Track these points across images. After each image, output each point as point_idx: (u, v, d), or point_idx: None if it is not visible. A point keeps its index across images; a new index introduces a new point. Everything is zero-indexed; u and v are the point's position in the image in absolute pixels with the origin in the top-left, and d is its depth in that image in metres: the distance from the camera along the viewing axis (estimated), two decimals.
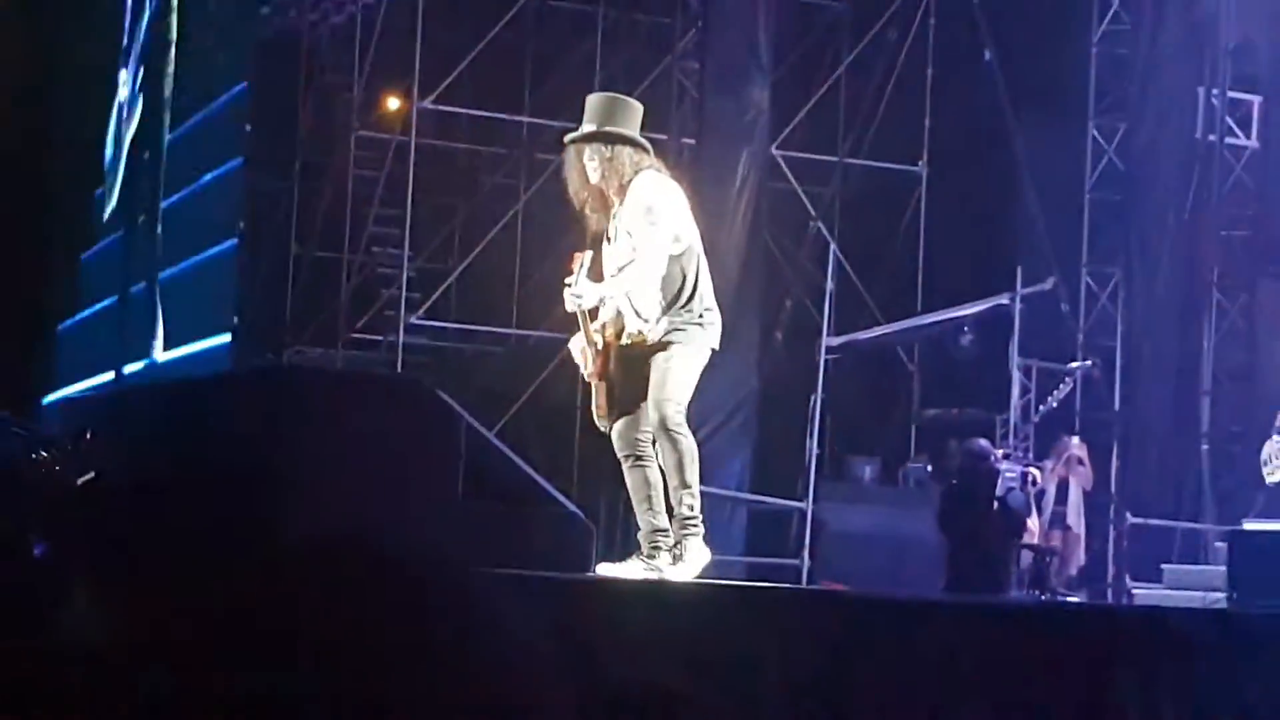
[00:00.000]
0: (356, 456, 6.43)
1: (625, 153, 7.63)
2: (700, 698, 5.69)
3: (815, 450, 15.10)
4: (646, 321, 7.49)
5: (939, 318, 15.91)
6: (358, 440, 6.48)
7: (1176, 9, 16.51)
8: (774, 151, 16.81)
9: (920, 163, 17.64)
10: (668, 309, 7.53)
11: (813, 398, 15.13)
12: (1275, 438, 13.26)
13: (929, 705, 6.08)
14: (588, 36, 17.41)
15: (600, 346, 7.62)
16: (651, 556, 7.63)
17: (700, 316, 7.61)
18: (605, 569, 7.68)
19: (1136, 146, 16.75)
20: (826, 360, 15.29)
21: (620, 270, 7.56)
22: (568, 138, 7.85)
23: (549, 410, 16.46)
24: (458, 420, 6.74)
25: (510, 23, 16.80)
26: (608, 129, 7.66)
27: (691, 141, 16.08)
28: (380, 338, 17.01)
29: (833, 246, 16.23)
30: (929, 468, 15.26)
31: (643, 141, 7.73)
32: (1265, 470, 13.34)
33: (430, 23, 16.29)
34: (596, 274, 7.66)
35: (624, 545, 15.78)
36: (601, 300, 7.63)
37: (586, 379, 7.72)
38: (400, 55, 16.54)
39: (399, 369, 15.84)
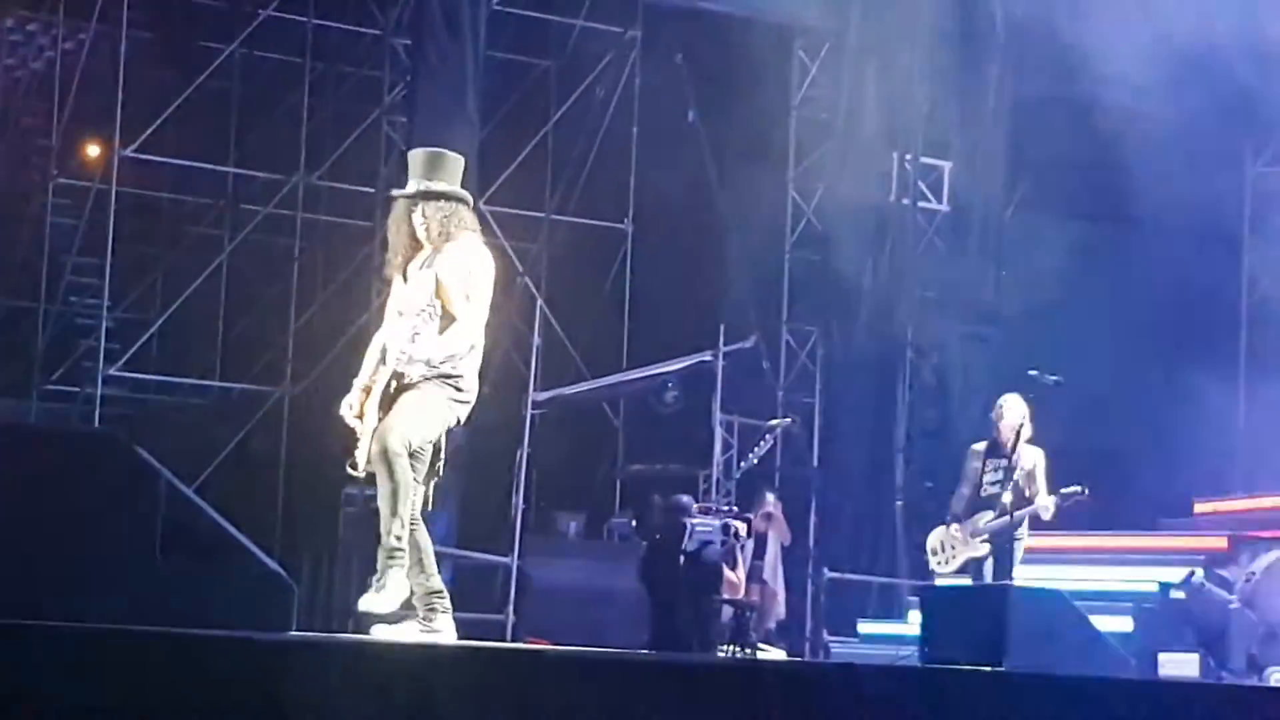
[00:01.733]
0: (48, 514, 6.28)
1: (462, 210, 7.73)
2: None
3: (520, 505, 15.13)
4: (424, 365, 7.51)
5: (644, 374, 16.08)
6: (49, 497, 6.33)
7: (872, 75, 17.03)
8: (482, 206, 16.80)
9: (626, 220, 17.86)
10: (439, 363, 7.55)
11: (518, 452, 15.16)
12: (948, 527, 12.35)
13: None
14: (295, 87, 17.27)
15: (380, 392, 7.61)
16: (428, 619, 7.62)
17: (457, 379, 7.64)
18: (380, 630, 7.63)
19: (834, 208, 17.22)
20: (532, 415, 15.34)
21: (423, 311, 7.57)
22: (398, 193, 7.82)
23: (252, 465, 16.25)
24: (155, 475, 6.62)
25: (216, 72, 16.61)
26: (446, 188, 7.71)
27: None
28: (77, 389, 16.61)
29: (539, 302, 16.32)
30: (633, 523, 15.40)
31: (469, 198, 7.81)
32: (934, 560, 12.39)
33: (133, 70, 16.01)
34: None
35: (327, 603, 15.66)
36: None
37: (351, 422, 7.68)
38: (101, 102, 16.23)
39: (96, 422, 15.48)
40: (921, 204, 17.68)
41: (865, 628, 15.11)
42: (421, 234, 7.73)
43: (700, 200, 17.15)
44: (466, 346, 7.61)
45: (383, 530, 7.60)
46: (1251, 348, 15.06)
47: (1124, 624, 12.66)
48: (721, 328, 15.47)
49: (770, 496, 15.37)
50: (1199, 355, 14.89)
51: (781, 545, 15.30)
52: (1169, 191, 15.18)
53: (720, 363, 15.34)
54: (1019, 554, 11.96)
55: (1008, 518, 11.89)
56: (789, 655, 14.09)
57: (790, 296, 17.59)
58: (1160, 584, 12.89)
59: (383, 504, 7.55)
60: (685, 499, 14.17)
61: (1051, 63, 16.02)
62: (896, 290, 17.33)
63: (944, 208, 17.89)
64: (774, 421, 16.23)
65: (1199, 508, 13.84)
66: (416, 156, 7.91)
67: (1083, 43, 15.24)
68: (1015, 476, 11.96)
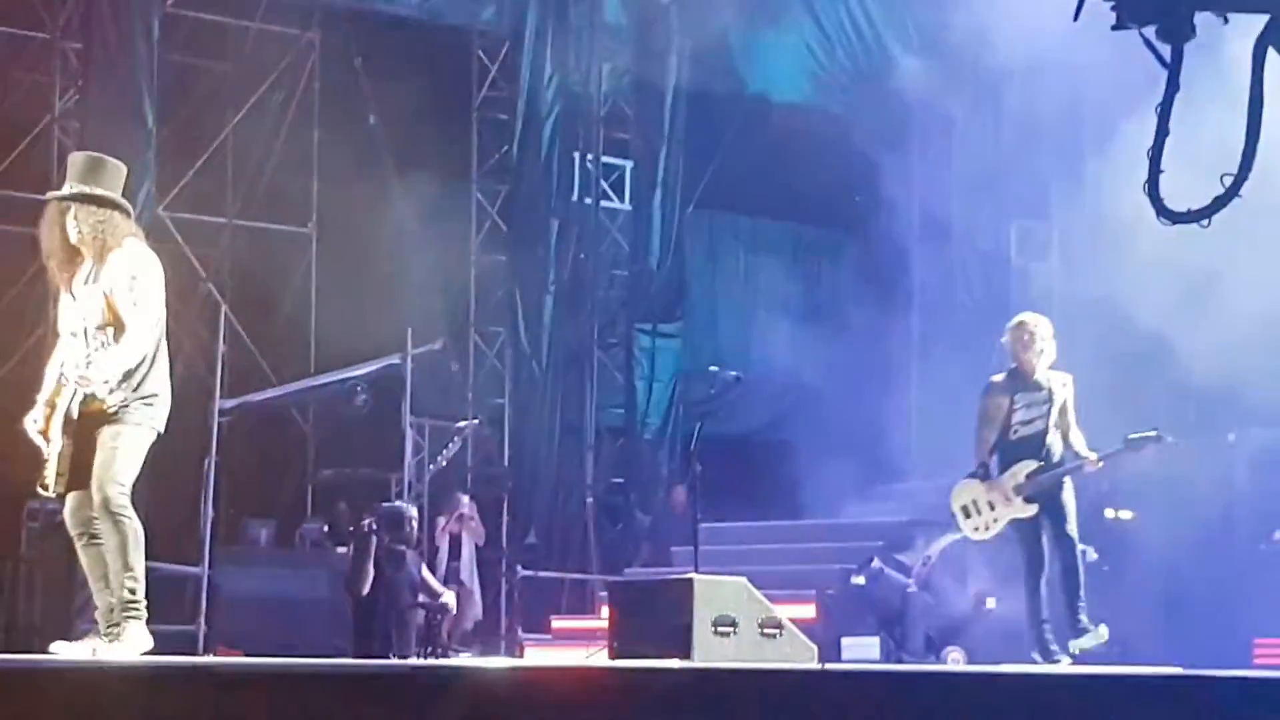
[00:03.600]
0: None
1: (116, 217, 7.59)
2: None
3: (210, 514, 14.94)
4: (106, 384, 7.42)
5: (332, 378, 15.99)
6: None
7: (555, 75, 17.19)
8: (161, 213, 16.57)
9: (310, 224, 17.71)
10: (122, 381, 7.46)
11: (206, 460, 14.97)
12: (981, 482, 10.36)
13: None
14: None
15: (64, 412, 7.49)
16: (113, 632, 7.54)
17: (149, 397, 7.56)
18: (58, 648, 7.55)
19: (518, 209, 17.34)
20: (220, 422, 15.15)
21: (98, 329, 7.46)
22: (52, 195, 7.70)
23: None
24: None
25: None
26: (100, 193, 7.59)
27: None
28: None
29: (224, 308, 16.12)
30: (325, 528, 15.31)
31: (129, 206, 7.70)
32: (968, 524, 10.44)
33: None
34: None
35: (10, 621, 15.24)
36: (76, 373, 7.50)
37: (36, 439, 7.57)
38: None
39: None
40: (604, 203, 17.91)
41: (558, 625, 15.24)
42: (74, 238, 7.64)
43: (383, 203, 17.09)
44: (139, 356, 7.54)
45: (114, 582, 7.53)
46: (923, 336, 15.57)
47: (808, 610, 13.00)
48: (409, 331, 15.46)
49: (464, 498, 15.42)
50: (874, 343, 15.31)
51: (476, 545, 15.36)
52: (837, 188, 15.62)
53: (408, 366, 15.33)
54: (1071, 508, 10.25)
55: (1060, 471, 10.24)
56: (484, 656, 14.15)
57: (477, 298, 17.64)
58: (841, 570, 13.27)
59: (113, 557, 7.49)
60: (400, 505, 14.03)
61: (726, 61, 16.35)
62: (581, 289, 17.52)
63: (625, 206, 18.15)
64: (463, 423, 16.28)
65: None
66: (75, 160, 7.88)
67: (755, 42, 15.59)
68: (1049, 410, 10.26)
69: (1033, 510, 10.30)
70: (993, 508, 10.39)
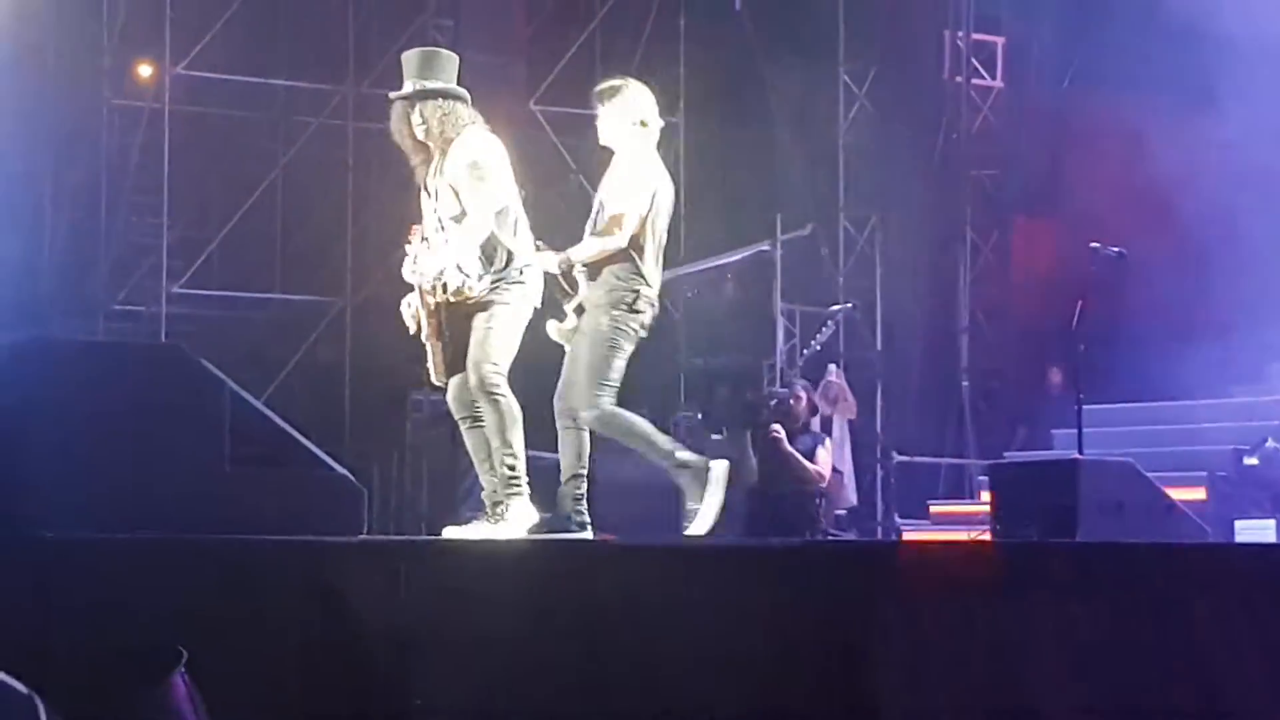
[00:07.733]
0: (118, 427, 6.34)
1: (459, 108, 7.72)
2: (480, 655, 5.72)
3: None
4: (468, 277, 7.54)
5: (701, 266, 16.03)
6: (119, 411, 6.39)
7: None
8: (532, 106, 16.78)
9: (677, 113, 17.71)
10: (487, 267, 7.58)
11: None
12: None
13: (705, 644, 6.18)
14: None
15: (433, 306, 7.65)
16: (498, 512, 7.71)
17: (520, 273, 7.66)
18: (450, 532, 7.75)
19: (886, 90, 17.07)
20: None
21: (454, 220, 7.61)
22: (395, 95, 7.84)
23: (317, 374, 16.32)
24: (221, 386, 6.67)
25: None
26: (437, 86, 7.70)
27: None
28: (142, 308, 16.72)
29: (594, 197, 16.27)
30: (699, 416, 15.39)
31: (467, 95, 7.80)
32: None
33: None
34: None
35: (398, 508, 15.73)
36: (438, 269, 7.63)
37: (423, 340, 7.75)
38: (151, 21, 16.23)
39: (163, 339, 15.58)
40: (975, 81, 17.53)
41: (936, 509, 15.08)
42: (421, 134, 7.73)
43: (750, 90, 17.00)
44: (478, 239, 7.59)
45: (495, 460, 7.69)
46: None
47: (1197, 493, 12.58)
48: (778, 217, 15.39)
49: (832, 367, 15.24)
50: (1259, 226, 14.68)
51: (849, 422, 15.18)
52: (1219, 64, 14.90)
53: (778, 252, 15.27)
54: None
55: None
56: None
57: (846, 182, 17.47)
58: (1233, 451, 12.82)
59: (492, 436, 7.65)
60: (799, 386, 13.89)
61: None
62: (952, 170, 17.22)
63: (998, 84, 17.74)
64: (835, 307, 16.18)
65: None
66: (409, 57, 7.93)
67: None
68: None
69: None
70: None
